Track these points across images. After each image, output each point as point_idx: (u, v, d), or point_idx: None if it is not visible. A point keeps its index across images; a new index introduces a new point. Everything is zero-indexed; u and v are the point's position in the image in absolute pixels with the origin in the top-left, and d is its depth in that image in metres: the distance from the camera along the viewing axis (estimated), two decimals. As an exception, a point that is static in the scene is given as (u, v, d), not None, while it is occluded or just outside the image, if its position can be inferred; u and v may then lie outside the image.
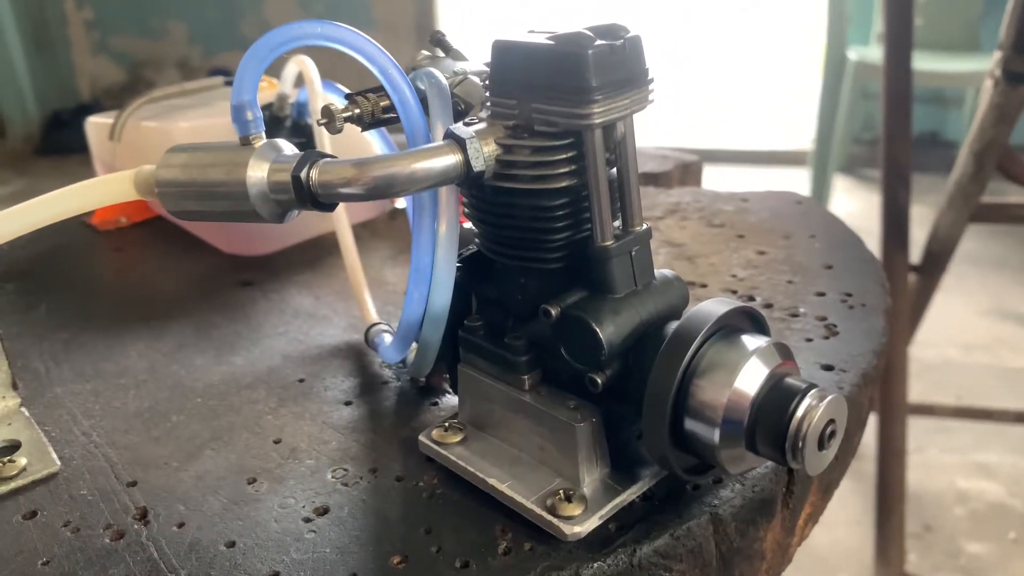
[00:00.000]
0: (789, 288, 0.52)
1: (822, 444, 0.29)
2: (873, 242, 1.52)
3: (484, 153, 0.32)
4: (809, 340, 0.46)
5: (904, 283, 1.44)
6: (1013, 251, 2.51)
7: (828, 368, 0.43)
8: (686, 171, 0.75)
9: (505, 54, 0.32)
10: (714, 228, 0.62)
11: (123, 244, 0.67)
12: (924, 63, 2.54)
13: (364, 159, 0.32)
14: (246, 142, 0.34)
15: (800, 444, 0.29)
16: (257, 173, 0.33)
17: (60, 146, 3.52)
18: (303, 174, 0.32)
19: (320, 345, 0.49)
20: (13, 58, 3.76)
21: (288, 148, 0.34)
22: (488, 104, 0.34)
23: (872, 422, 1.58)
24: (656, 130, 3.64)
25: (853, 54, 2.68)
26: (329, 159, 0.33)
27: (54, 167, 3.58)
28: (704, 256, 0.58)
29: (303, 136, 0.62)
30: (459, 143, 0.32)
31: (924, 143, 3.13)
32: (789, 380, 0.30)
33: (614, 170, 0.34)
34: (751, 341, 0.31)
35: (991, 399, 1.79)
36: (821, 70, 2.85)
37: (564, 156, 0.32)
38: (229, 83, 0.75)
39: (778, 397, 0.30)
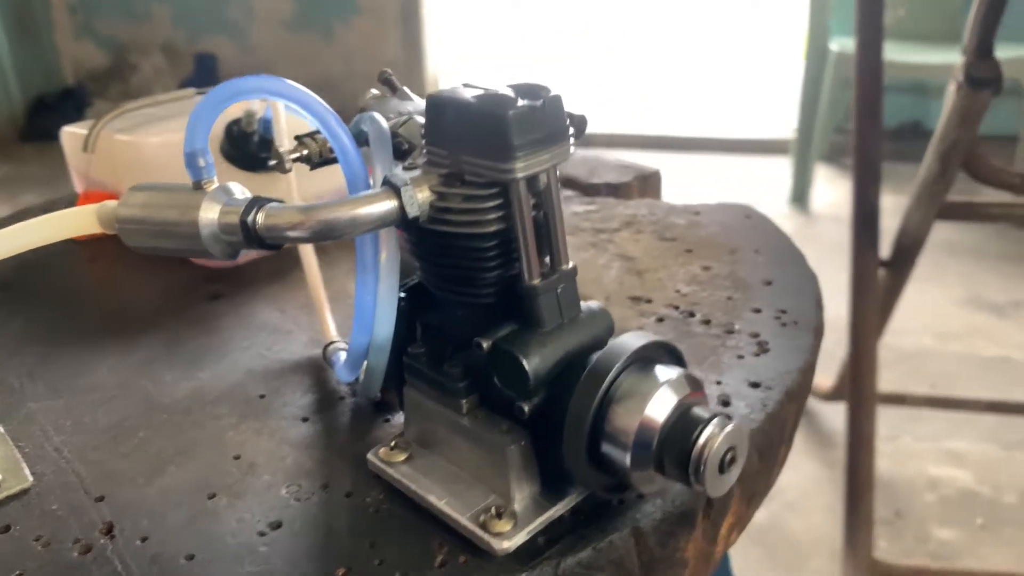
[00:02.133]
0: (728, 304, 0.55)
1: (722, 469, 0.32)
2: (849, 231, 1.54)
3: (419, 200, 0.35)
4: (741, 357, 0.49)
5: (874, 278, 1.48)
6: (990, 240, 2.55)
7: (755, 385, 0.46)
8: (645, 183, 0.78)
9: (438, 108, 0.35)
10: (665, 242, 0.65)
11: (98, 254, 0.69)
12: (905, 54, 2.57)
13: (308, 206, 0.34)
14: (199, 186, 0.36)
15: (702, 468, 0.32)
16: (208, 215, 0.36)
17: (44, 131, 3.51)
18: (250, 218, 0.35)
19: (282, 360, 0.52)
20: (-4, 43, 3.73)
21: (239, 192, 0.37)
22: (425, 151, 0.36)
23: (842, 412, 1.62)
24: (640, 118, 3.66)
25: (835, 45, 2.71)
26: (275, 204, 0.35)
27: (38, 152, 3.58)
28: (653, 271, 0.61)
29: (269, 151, 0.65)
30: (395, 190, 0.35)
31: (906, 132, 3.16)
32: (695, 409, 0.33)
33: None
34: (664, 372, 0.34)
35: (965, 388, 1.83)
36: (803, 60, 2.87)
37: (492, 204, 0.35)
38: (201, 93, 0.78)
39: (683, 425, 0.33)
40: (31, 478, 0.42)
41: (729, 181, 3.12)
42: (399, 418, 0.45)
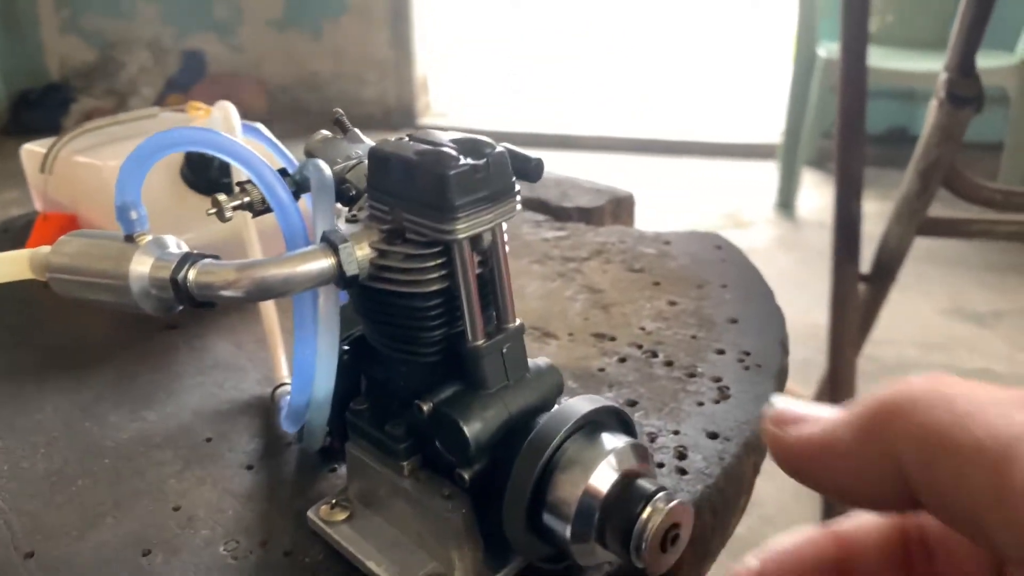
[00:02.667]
0: (692, 344, 0.54)
1: (664, 547, 0.31)
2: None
3: (358, 257, 0.33)
4: (701, 404, 0.48)
5: (854, 293, 1.47)
6: (973, 250, 2.55)
7: (713, 436, 0.45)
8: (619, 206, 0.76)
9: (381, 162, 0.34)
10: (633, 273, 0.64)
11: (54, 279, 0.67)
12: (893, 61, 2.56)
13: (242, 263, 0.33)
14: (131, 239, 0.35)
15: (643, 545, 0.31)
16: (140, 268, 0.34)
17: (28, 126, 3.47)
18: (180, 276, 0.33)
19: (232, 400, 0.51)
20: (-21, 36, 3.69)
21: (174, 245, 0.35)
22: (367, 204, 0.35)
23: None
24: (626, 121, 3.65)
25: (823, 51, 2.70)
26: (209, 261, 0.34)
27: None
28: (619, 305, 0.59)
29: (230, 176, 0.63)
30: (333, 248, 0.33)
31: (894, 139, 3.16)
32: (639, 482, 0.32)
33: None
34: (610, 440, 0.33)
35: (944, 400, 1.82)
36: (791, 64, 2.86)
37: (434, 263, 0.33)
38: (167, 111, 0.76)
39: (627, 498, 0.32)
40: (-40, 531, 0.40)
41: (716, 185, 3.11)
42: (345, 468, 0.44)
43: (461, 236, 0.32)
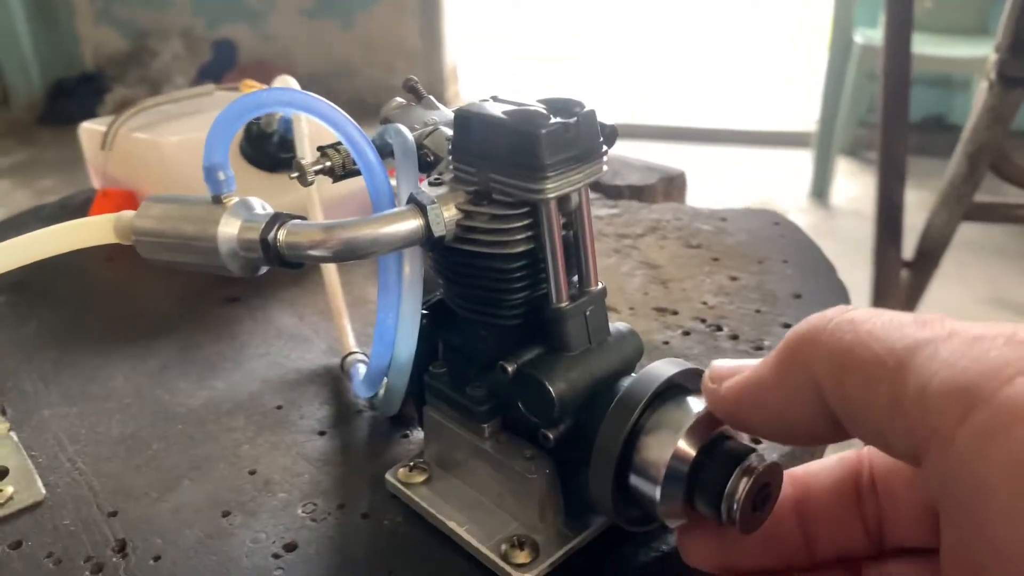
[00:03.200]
0: (756, 318, 0.53)
1: (756, 507, 0.31)
2: (871, 227, 1.52)
3: (445, 218, 0.33)
4: (770, 376, 0.47)
5: (896, 279, 1.45)
6: (1014, 240, 2.51)
7: (785, 407, 0.44)
8: (670, 184, 0.76)
9: (466, 124, 0.34)
10: (691, 249, 0.64)
11: (115, 253, 0.68)
12: (932, 47, 2.52)
13: (331, 223, 0.33)
14: (218, 200, 0.35)
15: (735, 506, 0.31)
16: (228, 231, 0.35)
17: (63, 115, 3.52)
18: (271, 235, 0.34)
19: (299, 369, 0.51)
20: (16, 26, 3.74)
21: (260, 207, 0.36)
22: (451, 166, 0.35)
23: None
24: (661, 109, 3.62)
25: (860, 37, 2.67)
26: (297, 221, 0.34)
27: (57, 136, 3.59)
28: (678, 280, 0.59)
29: (290, 151, 0.64)
30: (421, 209, 0.33)
31: (930, 127, 3.11)
32: (729, 443, 0.32)
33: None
34: (696, 403, 0.33)
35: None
36: (827, 52, 2.83)
37: (520, 224, 0.33)
38: (220, 88, 0.77)
39: (718, 459, 0.32)
40: (44, 491, 0.41)
41: (750, 174, 3.09)
42: (418, 434, 0.44)
43: (550, 196, 0.32)
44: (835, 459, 0.33)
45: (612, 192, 0.76)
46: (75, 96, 3.71)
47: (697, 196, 0.79)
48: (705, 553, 0.32)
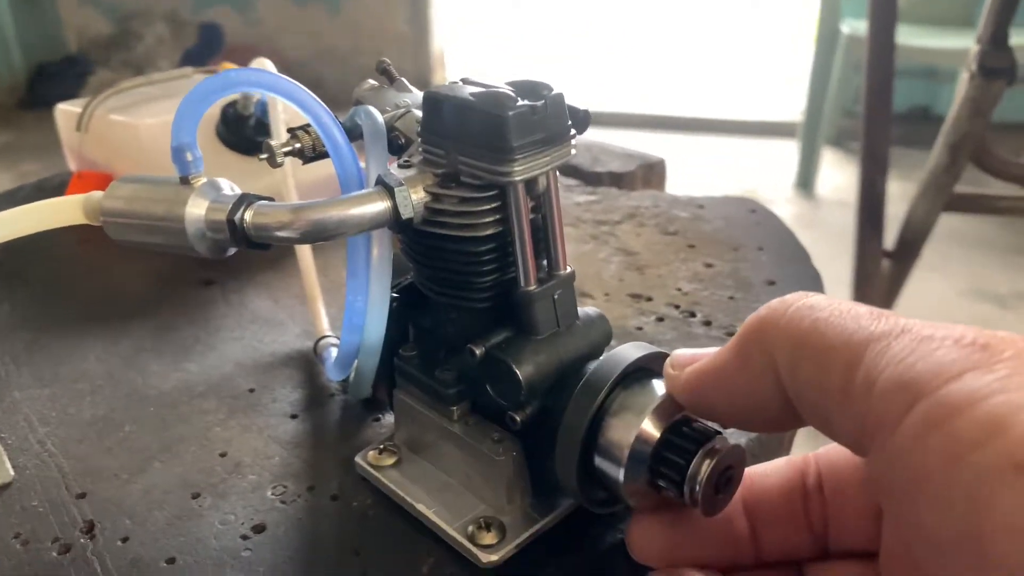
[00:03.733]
0: (730, 305, 0.54)
1: (718, 489, 0.31)
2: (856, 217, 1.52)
3: (413, 201, 0.33)
4: (741, 362, 0.47)
5: (877, 268, 1.46)
6: (997, 231, 2.52)
7: (755, 392, 0.45)
8: (650, 171, 0.76)
9: (435, 106, 0.34)
10: (668, 236, 0.64)
11: (90, 236, 0.67)
12: (917, 39, 2.53)
13: (298, 204, 0.33)
14: (186, 181, 0.35)
15: (698, 488, 0.31)
16: (195, 211, 0.35)
17: (46, 99, 3.47)
18: (237, 216, 0.33)
19: (273, 352, 0.51)
20: (-2, 8, 3.69)
21: (228, 188, 0.35)
22: (421, 149, 0.35)
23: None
24: (647, 98, 3.62)
25: (846, 28, 2.67)
26: (264, 203, 0.34)
27: (40, 120, 3.54)
28: (654, 267, 0.59)
29: (267, 134, 0.63)
30: (388, 191, 0.33)
31: (915, 118, 3.12)
32: (694, 425, 0.32)
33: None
34: (661, 386, 0.33)
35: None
36: (814, 42, 2.83)
37: (489, 207, 0.33)
38: (199, 71, 0.76)
39: (680, 441, 0.32)
40: (12, 472, 0.41)
41: (735, 163, 3.09)
42: (389, 417, 0.44)
43: (517, 179, 0.32)
44: (783, 461, 0.33)
45: (591, 179, 0.76)
46: (58, 79, 3.66)
47: (683, 186, 0.79)
48: (653, 547, 0.32)
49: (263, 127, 0.64)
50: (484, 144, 0.32)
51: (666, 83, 3.80)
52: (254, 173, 0.57)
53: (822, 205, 2.80)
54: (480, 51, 4.12)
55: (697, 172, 2.90)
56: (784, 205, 2.75)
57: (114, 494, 0.40)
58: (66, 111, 0.72)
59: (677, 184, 0.80)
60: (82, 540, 0.37)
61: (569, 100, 0.36)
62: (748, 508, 0.32)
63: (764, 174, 2.96)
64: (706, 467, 0.31)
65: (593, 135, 0.82)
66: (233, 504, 0.39)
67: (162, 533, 0.37)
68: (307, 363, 0.50)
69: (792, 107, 3.22)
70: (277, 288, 0.59)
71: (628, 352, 0.34)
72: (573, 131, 0.34)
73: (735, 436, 0.41)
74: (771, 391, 0.27)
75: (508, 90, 0.32)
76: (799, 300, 0.27)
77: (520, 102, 0.32)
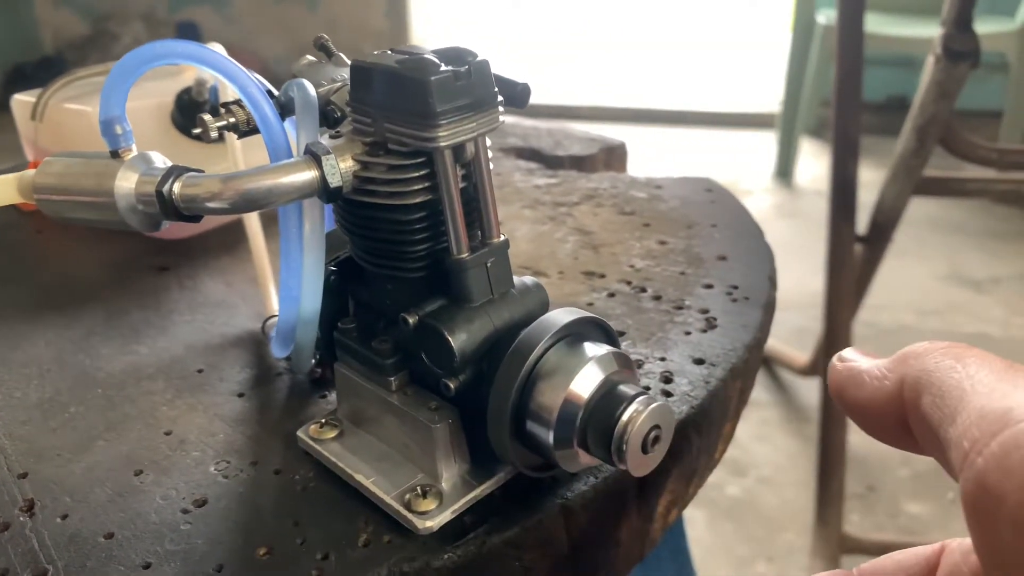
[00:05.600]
0: (680, 280, 0.54)
1: (646, 448, 0.32)
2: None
3: (341, 169, 0.34)
4: (688, 333, 0.48)
5: (850, 254, 1.47)
6: (972, 216, 2.55)
7: (699, 362, 0.45)
8: (611, 155, 0.76)
9: (361, 75, 0.34)
10: (624, 216, 0.64)
11: (44, 225, 0.68)
12: (892, 27, 2.55)
13: (227, 175, 0.33)
14: (116, 155, 0.35)
15: (624, 447, 0.31)
16: (125, 184, 0.35)
17: (23, 101, 3.45)
18: (166, 188, 0.33)
19: (224, 334, 0.51)
20: (-28, 9, 3.66)
21: (159, 161, 0.35)
22: (350, 119, 0.35)
23: (818, 387, 1.62)
24: (623, 92, 3.63)
25: (822, 18, 2.68)
26: (194, 174, 0.34)
27: (13, 121, 3.52)
28: (608, 245, 0.60)
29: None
30: (316, 159, 0.33)
31: (893, 107, 3.14)
32: (621, 387, 0.33)
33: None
34: (592, 349, 0.33)
35: (941, 364, 1.83)
36: (790, 32, 2.85)
37: (417, 174, 0.34)
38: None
39: (607, 402, 0.32)
40: (-46, 454, 0.41)
41: (714, 155, 3.11)
42: (336, 395, 0.44)
43: (443, 144, 0.32)
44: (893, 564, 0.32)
45: (553, 162, 0.76)
46: (34, 80, 3.63)
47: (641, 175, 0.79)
48: None
49: (218, 113, 0.64)
50: (409, 110, 0.32)
51: (646, 76, 3.81)
52: (209, 159, 0.57)
53: (801, 195, 2.81)
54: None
55: (675, 165, 2.91)
56: (763, 195, 2.76)
57: (56, 473, 0.40)
58: (22, 101, 0.72)
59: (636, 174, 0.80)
60: (21, 518, 0.37)
61: (502, 75, 0.36)
62: None
63: (743, 165, 2.97)
64: (632, 426, 0.31)
65: (553, 125, 0.83)
66: (175, 480, 0.39)
67: (103, 509, 0.37)
68: (257, 343, 0.50)
69: (770, 98, 3.24)
70: (231, 272, 0.59)
71: (559, 316, 0.34)
72: (500, 98, 0.34)
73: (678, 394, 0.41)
74: (894, 406, 0.27)
75: (432, 57, 0.33)
76: (955, 345, 0.27)
77: (443, 67, 0.32)
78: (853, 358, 0.31)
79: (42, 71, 3.71)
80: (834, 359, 0.31)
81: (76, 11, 3.90)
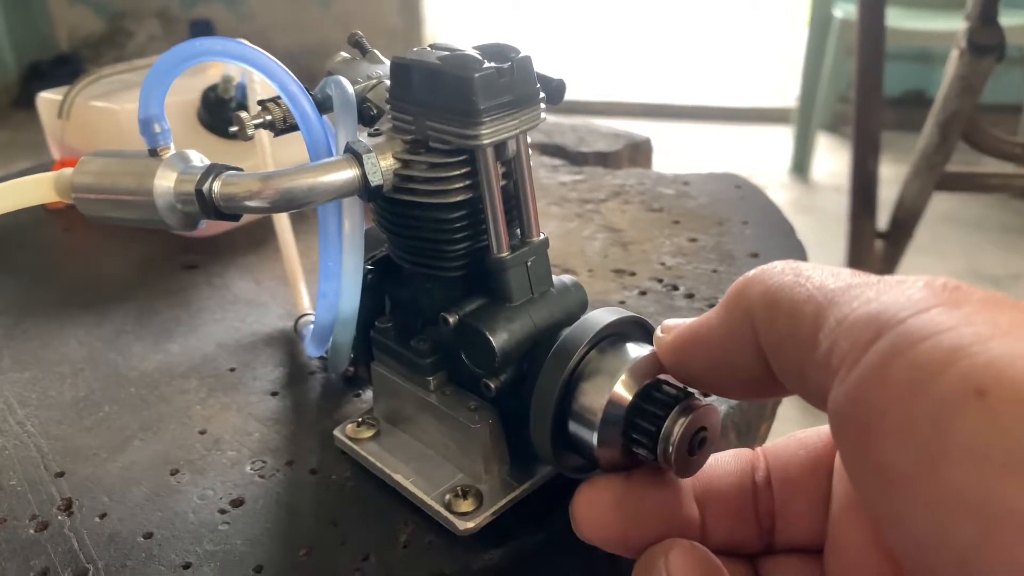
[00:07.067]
0: (713, 278, 0.53)
1: (692, 450, 0.31)
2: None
3: (382, 167, 0.33)
4: (723, 332, 0.47)
5: (870, 249, 1.46)
6: (991, 212, 2.52)
7: (736, 361, 0.45)
8: (636, 151, 0.76)
9: (403, 72, 0.33)
10: (653, 213, 0.64)
11: (72, 224, 0.68)
12: (910, 21, 2.52)
13: (266, 174, 0.33)
14: (155, 153, 0.35)
15: (671, 449, 0.31)
16: (164, 183, 0.34)
17: (39, 98, 3.47)
18: (206, 187, 0.33)
19: (255, 333, 0.51)
20: (-11, 8, 3.68)
21: (197, 159, 0.35)
22: (390, 117, 0.35)
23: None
24: (639, 87, 3.61)
25: (839, 12, 2.66)
26: (233, 172, 0.34)
27: (32, 119, 3.53)
28: (638, 243, 0.59)
29: (248, 118, 0.63)
30: (357, 158, 0.33)
31: (910, 101, 3.11)
32: (666, 388, 0.32)
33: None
34: (634, 349, 0.33)
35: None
36: (807, 27, 2.83)
37: (459, 172, 0.33)
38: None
39: (653, 403, 0.32)
40: (-9, 453, 0.41)
41: (730, 150, 3.09)
42: (370, 393, 0.44)
43: (486, 142, 0.32)
44: (732, 453, 0.32)
45: (578, 159, 0.76)
46: (50, 78, 3.65)
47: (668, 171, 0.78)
48: (600, 525, 0.31)
49: (244, 110, 0.64)
50: (451, 108, 0.32)
51: (661, 71, 3.79)
52: (236, 157, 0.56)
53: (817, 190, 2.80)
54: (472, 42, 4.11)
55: (691, 160, 2.89)
56: (779, 191, 2.75)
57: (93, 472, 0.40)
58: (48, 99, 0.72)
59: (675, 171, 0.79)
60: (60, 517, 0.37)
61: (543, 69, 0.36)
62: (698, 497, 0.31)
63: (759, 160, 2.96)
64: (679, 427, 0.31)
65: (577, 121, 0.82)
66: (212, 480, 0.39)
67: (140, 509, 0.37)
68: (288, 342, 0.49)
69: (786, 93, 3.22)
70: (260, 270, 0.59)
71: (601, 316, 0.34)
72: (542, 95, 0.34)
73: (718, 404, 0.41)
74: (749, 350, 0.27)
75: (475, 53, 0.32)
76: (785, 263, 0.27)
77: (486, 64, 0.31)
78: (676, 323, 0.30)
79: (58, 68, 3.73)
80: (657, 331, 0.31)
81: (91, 8, 3.91)
